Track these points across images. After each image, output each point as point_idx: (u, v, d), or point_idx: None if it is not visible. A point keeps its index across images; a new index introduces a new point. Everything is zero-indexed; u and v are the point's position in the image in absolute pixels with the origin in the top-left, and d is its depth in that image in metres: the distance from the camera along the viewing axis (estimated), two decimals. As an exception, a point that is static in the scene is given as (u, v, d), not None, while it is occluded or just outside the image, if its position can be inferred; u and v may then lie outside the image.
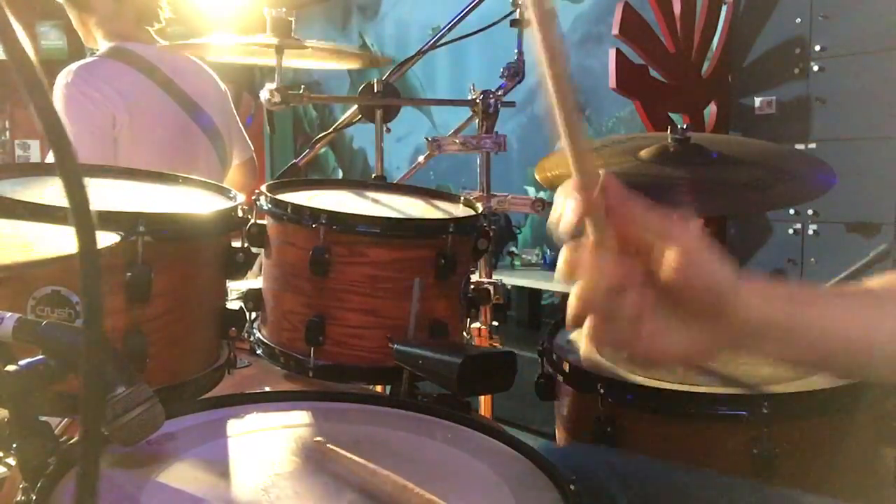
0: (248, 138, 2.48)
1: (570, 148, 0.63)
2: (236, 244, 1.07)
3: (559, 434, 1.22)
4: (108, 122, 2.01)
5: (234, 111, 2.41)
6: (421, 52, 1.83)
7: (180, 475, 0.73)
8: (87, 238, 0.35)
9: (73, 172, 0.35)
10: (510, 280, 3.88)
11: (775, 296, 0.67)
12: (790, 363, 0.71)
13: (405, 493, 0.68)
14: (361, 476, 0.72)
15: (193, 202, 1.11)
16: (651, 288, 0.64)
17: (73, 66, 2.06)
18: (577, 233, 0.65)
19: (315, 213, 1.06)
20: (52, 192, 0.94)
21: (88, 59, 2.12)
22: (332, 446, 0.77)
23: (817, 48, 2.96)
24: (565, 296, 0.68)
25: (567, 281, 0.65)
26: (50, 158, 2.24)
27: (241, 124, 2.46)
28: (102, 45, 2.16)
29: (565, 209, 0.64)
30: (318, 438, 0.79)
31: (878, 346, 0.68)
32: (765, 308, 0.66)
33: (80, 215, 0.35)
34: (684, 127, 1.37)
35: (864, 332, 0.68)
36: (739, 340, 0.67)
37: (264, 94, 1.53)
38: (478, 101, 1.65)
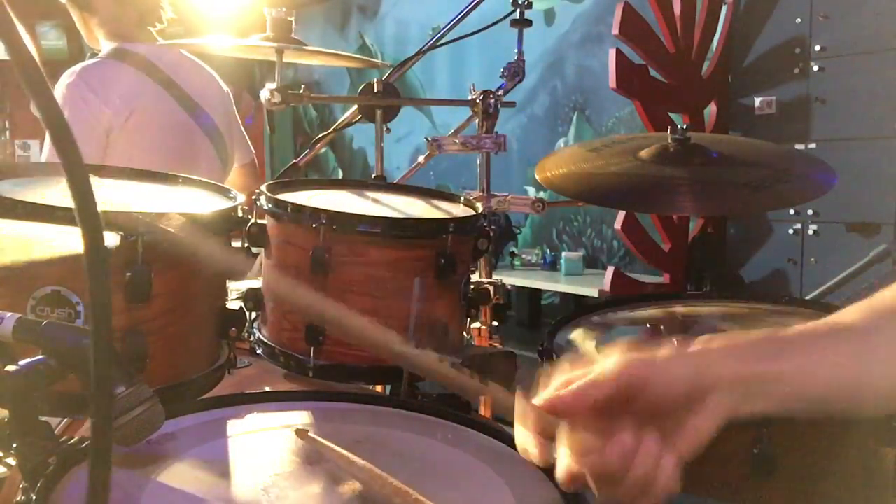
0: (249, 141, 2.48)
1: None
2: (236, 244, 1.07)
3: (559, 434, 1.22)
4: (101, 127, 2.02)
5: (236, 113, 2.42)
6: (421, 52, 1.83)
7: (180, 475, 0.73)
8: (93, 234, 0.35)
9: (77, 169, 0.35)
10: (510, 280, 3.88)
11: (742, 355, 0.66)
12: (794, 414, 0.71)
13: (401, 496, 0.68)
14: (350, 471, 0.72)
15: (193, 202, 1.11)
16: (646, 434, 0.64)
17: (77, 67, 2.06)
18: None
19: (315, 213, 1.06)
20: (52, 192, 0.94)
21: (90, 61, 2.12)
22: (316, 437, 0.77)
23: (817, 48, 2.96)
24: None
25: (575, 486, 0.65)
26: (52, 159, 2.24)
27: (242, 127, 2.46)
28: (104, 45, 2.17)
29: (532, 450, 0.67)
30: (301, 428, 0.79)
31: (869, 386, 0.67)
32: (738, 370, 0.65)
33: (85, 210, 0.35)
34: (684, 127, 1.37)
35: (851, 377, 0.67)
36: (730, 411, 0.66)
37: (264, 94, 1.53)
38: (478, 101, 1.65)
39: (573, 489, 0.65)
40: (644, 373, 0.64)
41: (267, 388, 1.15)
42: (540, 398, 0.66)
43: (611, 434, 0.63)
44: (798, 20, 3.01)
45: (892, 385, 0.68)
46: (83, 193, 0.35)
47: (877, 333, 0.69)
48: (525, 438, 0.67)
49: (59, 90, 2.02)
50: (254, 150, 2.51)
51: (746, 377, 0.65)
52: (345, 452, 0.74)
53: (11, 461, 0.89)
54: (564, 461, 0.64)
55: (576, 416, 0.64)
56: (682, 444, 0.64)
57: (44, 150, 2.20)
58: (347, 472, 0.72)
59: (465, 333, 1.24)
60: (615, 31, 3.00)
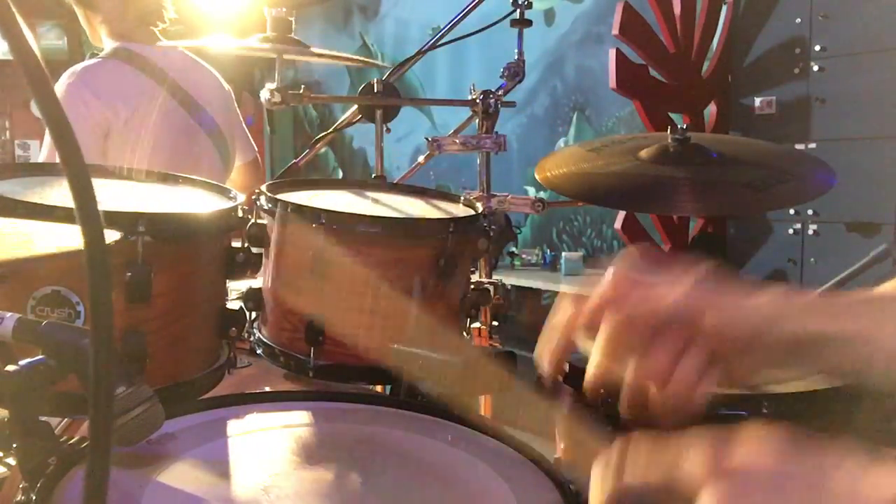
0: (251, 139, 2.48)
1: None
2: (236, 244, 1.07)
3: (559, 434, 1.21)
4: (99, 129, 2.02)
5: (238, 112, 2.42)
6: (421, 52, 1.83)
7: (180, 475, 0.73)
8: (93, 231, 0.35)
9: (78, 167, 0.35)
10: (510, 280, 3.88)
11: (816, 309, 0.64)
12: (832, 374, 0.67)
13: None
14: None
15: (193, 202, 1.11)
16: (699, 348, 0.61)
17: (77, 67, 2.06)
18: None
19: (315, 213, 1.06)
20: (52, 192, 0.94)
21: (91, 61, 2.13)
22: None
23: (817, 48, 2.96)
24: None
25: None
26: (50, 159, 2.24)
27: (244, 125, 2.46)
28: (107, 44, 2.17)
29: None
30: None
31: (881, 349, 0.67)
32: (811, 323, 0.62)
33: (85, 207, 0.35)
34: (684, 127, 1.37)
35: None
36: (784, 361, 0.63)
37: (264, 94, 1.53)
38: (478, 101, 1.65)
39: (596, 399, 0.62)
40: (713, 304, 0.60)
41: (267, 388, 1.15)
42: (601, 290, 0.63)
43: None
44: (798, 20, 3.01)
45: None
46: (83, 192, 0.35)
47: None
48: (543, 346, 0.64)
49: (59, 90, 2.02)
50: (256, 149, 2.51)
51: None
52: None
53: (11, 461, 0.89)
54: (599, 361, 0.62)
55: (627, 319, 0.61)
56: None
57: (42, 150, 2.20)
58: None
59: (465, 333, 1.24)
60: (615, 31, 3.00)
